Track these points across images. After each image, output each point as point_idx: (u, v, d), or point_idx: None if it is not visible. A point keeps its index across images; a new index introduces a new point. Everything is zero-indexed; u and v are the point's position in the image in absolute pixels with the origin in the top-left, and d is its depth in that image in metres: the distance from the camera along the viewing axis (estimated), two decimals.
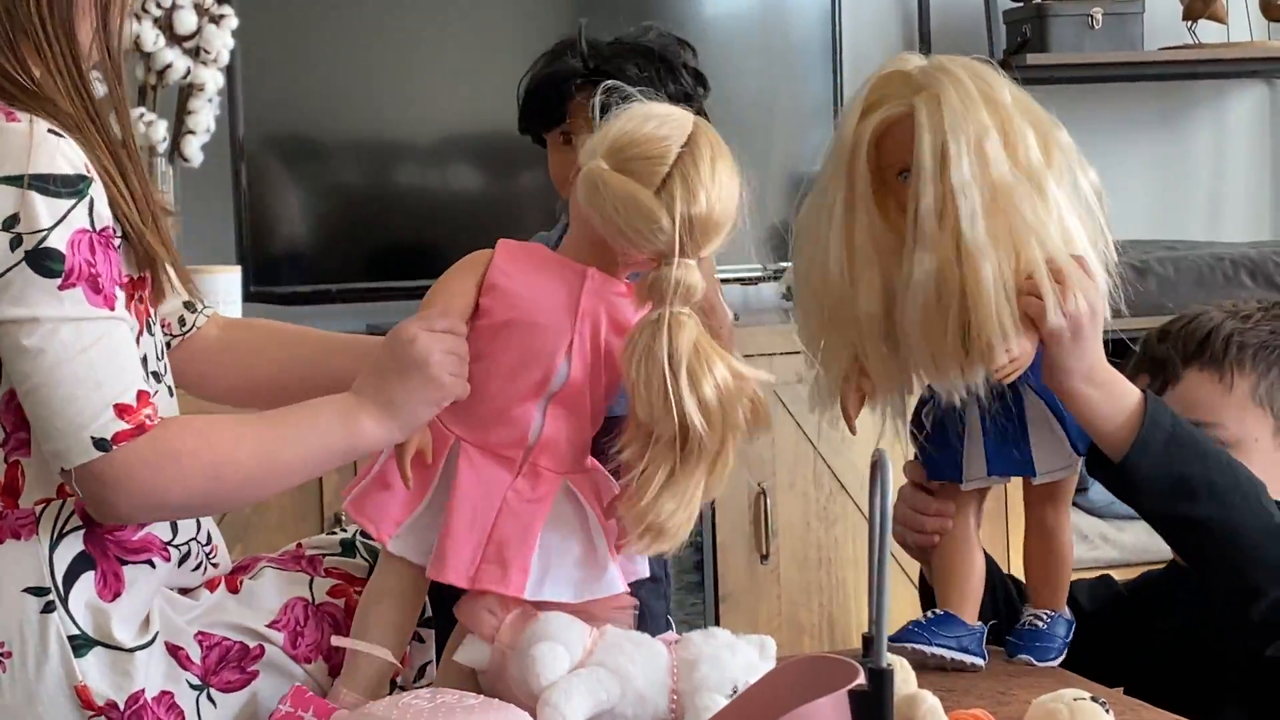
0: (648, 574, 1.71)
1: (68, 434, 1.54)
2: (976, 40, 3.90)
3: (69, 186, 1.56)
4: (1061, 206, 1.79)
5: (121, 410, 1.54)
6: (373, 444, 1.64)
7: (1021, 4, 3.93)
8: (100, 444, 1.53)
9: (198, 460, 1.57)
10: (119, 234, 1.62)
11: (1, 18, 1.63)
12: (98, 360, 1.54)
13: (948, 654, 1.91)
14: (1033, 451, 1.91)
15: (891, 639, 1.90)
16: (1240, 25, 4.08)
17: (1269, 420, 2.01)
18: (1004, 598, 2.08)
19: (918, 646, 1.90)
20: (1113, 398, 1.81)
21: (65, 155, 1.57)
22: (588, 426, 1.67)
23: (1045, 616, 1.98)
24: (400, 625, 1.68)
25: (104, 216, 1.59)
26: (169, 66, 3.14)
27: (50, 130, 1.58)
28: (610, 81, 1.67)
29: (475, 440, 1.64)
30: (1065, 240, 1.78)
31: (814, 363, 1.91)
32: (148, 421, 1.55)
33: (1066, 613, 1.99)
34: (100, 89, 1.68)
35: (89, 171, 1.58)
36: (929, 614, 1.95)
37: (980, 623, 1.95)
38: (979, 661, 1.93)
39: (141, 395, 1.56)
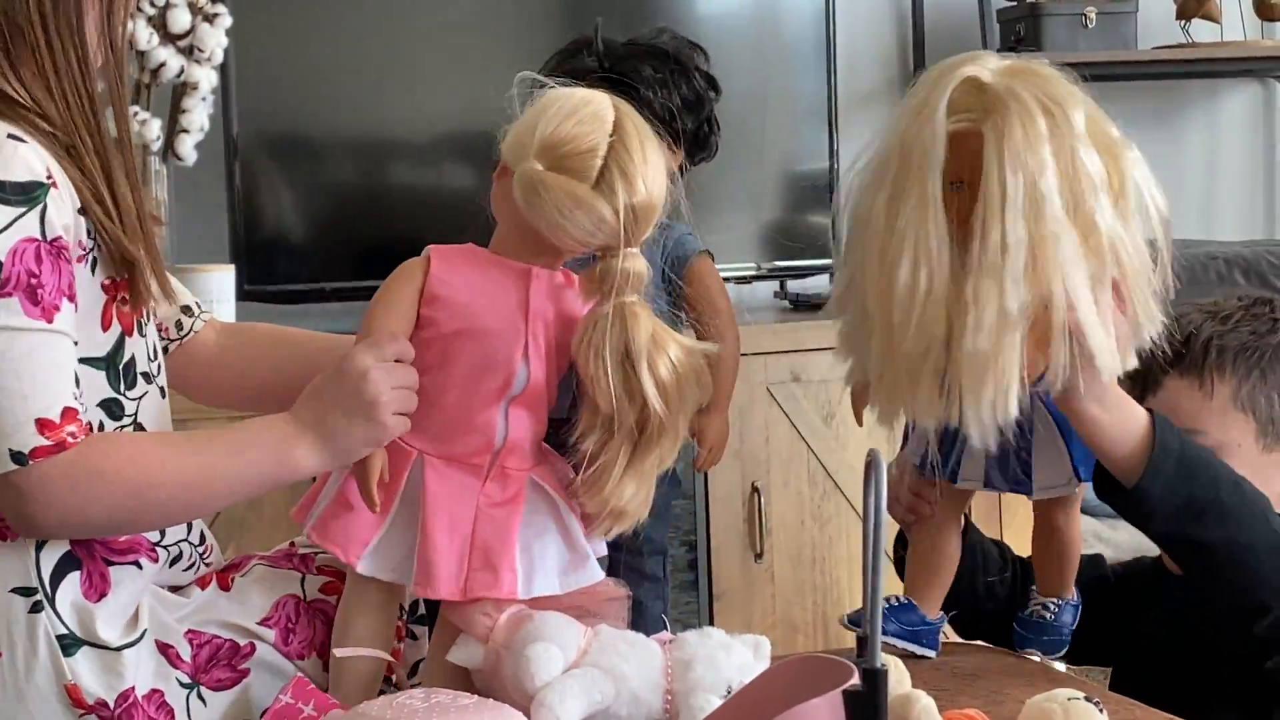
0: (605, 553, 1.72)
1: None
2: (970, 39, 3.91)
3: (20, 193, 1.53)
4: (1117, 236, 1.75)
5: (43, 425, 1.52)
6: (305, 473, 1.63)
7: (1015, 3, 3.93)
8: (17, 457, 1.51)
9: (120, 480, 1.55)
10: (94, 236, 1.60)
11: (9, 32, 1.60)
12: (25, 372, 1.52)
13: (897, 642, 1.92)
14: (1034, 472, 1.90)
15: (849, 618, 1.91)
16: (1234, 24, 4.08)
17: (1251, 424, 1.99)
18: (1019, 578, 2.07)
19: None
20: (1122, 421, 1.80)
21: (24, 160, 1.54)
22: (544, 421, 1.68)
23: (1053, 605, 1.98)
24: (382, 639, 1.68)
25: (61, 225, 1.55)
26: (163, 65, 3.13)
27: (10, 135, 1.55)
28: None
29: (440, 452, 1.64)
30: (1118, 266, 1.74)
31: (848, 358, 1.87)
32: (69, 439, 1.53)
33: (1073, 597, 1.99)
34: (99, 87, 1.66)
35: (49, 178, 1.55)
36: (891, 599, 1.95)
37: (941, 613, 1.96)
38: (928, 653, 1.93)
39: (67, 412, 1.53)
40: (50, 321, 1.54)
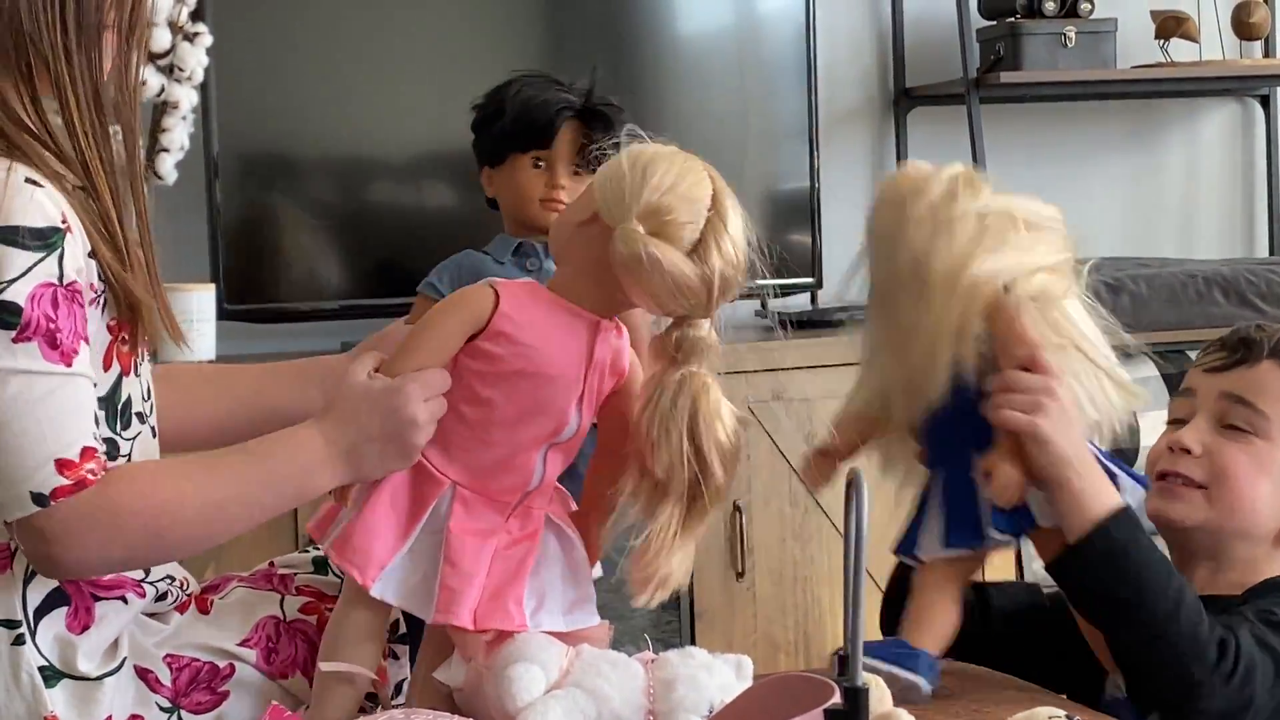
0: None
1: (7, 486, 1.52)
2: (950, 59, 3.92)
3: (39, 239, 1.53)
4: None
5: (63, 465, 1.52)
6: (322, 494, 1.63)
7: (994, 22, 3.94)
8: (39, 499, 1.51)
9: (140, 518, 1.55)
10: (103, 277, 1.60)
11: (21, 49, 1.60)
12: (44, 415, 1.52)
13: (898, 671, 1.86)
14: (920, 533, 1.94)
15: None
16: (1212, 43, 4.10)
17: None
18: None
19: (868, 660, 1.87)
20: (1090, 492, 1.85)
21: (40, 206, 1.54)
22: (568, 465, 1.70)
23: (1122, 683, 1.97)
24: (372, 659, 1.67)
25: (74, 269, 1.56)
26: (143, 84, 3.12)
27: (28, 180, 1.55)
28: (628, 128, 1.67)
29: (474, 486, 1.63)
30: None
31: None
32: (89, 477, 1.53)
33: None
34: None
35: (63, 223, 1.56)
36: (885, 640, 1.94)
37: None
38: (920, 682, 1.87)
39: (86, 451, 1.53)
40: (69, 365, 1.54)
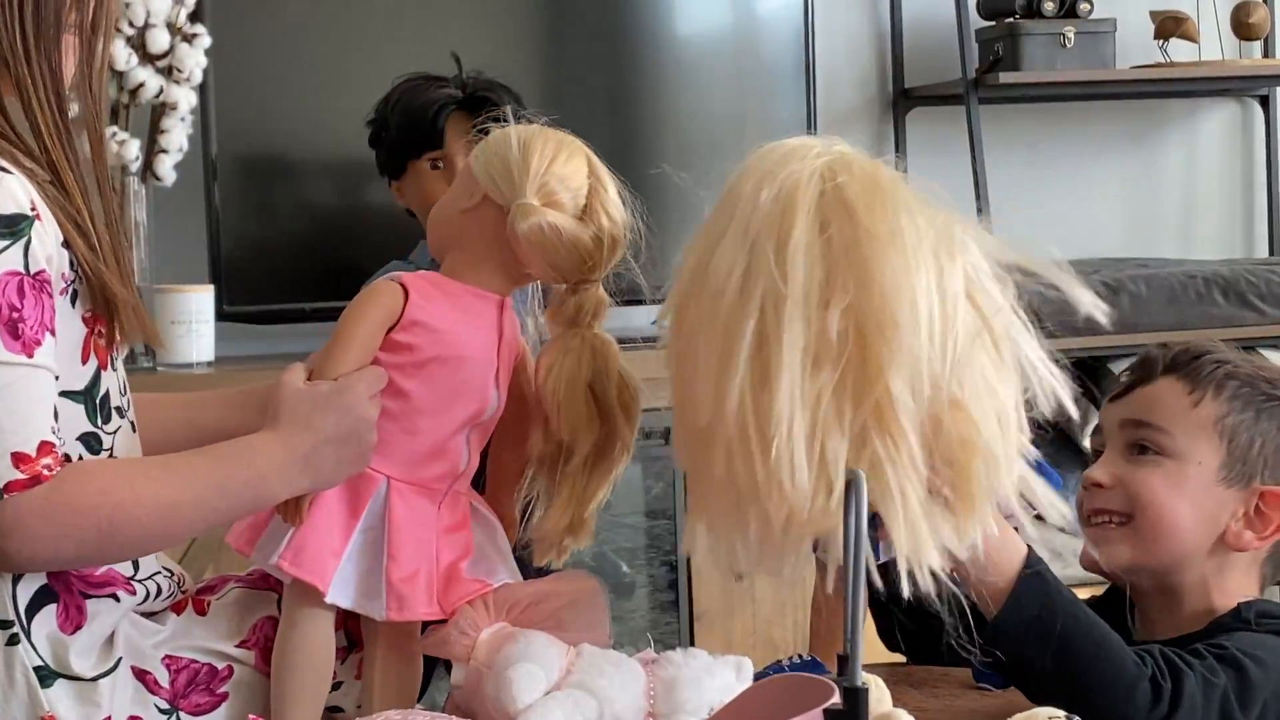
0: None
1: None
2: (949, 60, 3.92)
3: (6, 226, 1.52)
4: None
5: (19, 459, 1.50)
6: (277, 501, 1.62)
7: (993, 23, 3.94)
8: None
9: (95, 515, 1.53)
10: (76, 268, 1.59)
11: None
12: (3, 407, 1.50)
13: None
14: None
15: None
16: (1211, 44, 4.10)
17: (1221, 452, 1.95)
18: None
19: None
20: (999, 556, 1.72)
21: (8, 191, 1.52)
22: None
23: None
24: (329, 668, 1.67)
25: (43, 258, 1.54)
26: (141, 85, 3.13)
27: None
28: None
29: (409, 478, 1.65)
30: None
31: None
32: (45, 472, 1.51)
33: None
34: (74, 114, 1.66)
35: (33, 210, 1.54)
36: (796, 657, 1.92)
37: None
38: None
39: (44, 446, 1.51)
40: (31, 356, 1.52)
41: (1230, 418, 1.93)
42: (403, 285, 1.65)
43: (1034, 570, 1.74)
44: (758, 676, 1.77)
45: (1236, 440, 1.93)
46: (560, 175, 1.65)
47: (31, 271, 1.53)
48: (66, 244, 1.58)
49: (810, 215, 1.47)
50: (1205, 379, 1.95)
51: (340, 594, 1.62)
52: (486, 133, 1.71)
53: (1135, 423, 1.94)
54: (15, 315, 1.51)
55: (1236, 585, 1.94)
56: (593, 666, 1.61)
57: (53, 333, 1.55)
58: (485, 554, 1.69)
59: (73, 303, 1.60)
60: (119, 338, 1.65)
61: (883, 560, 1.73)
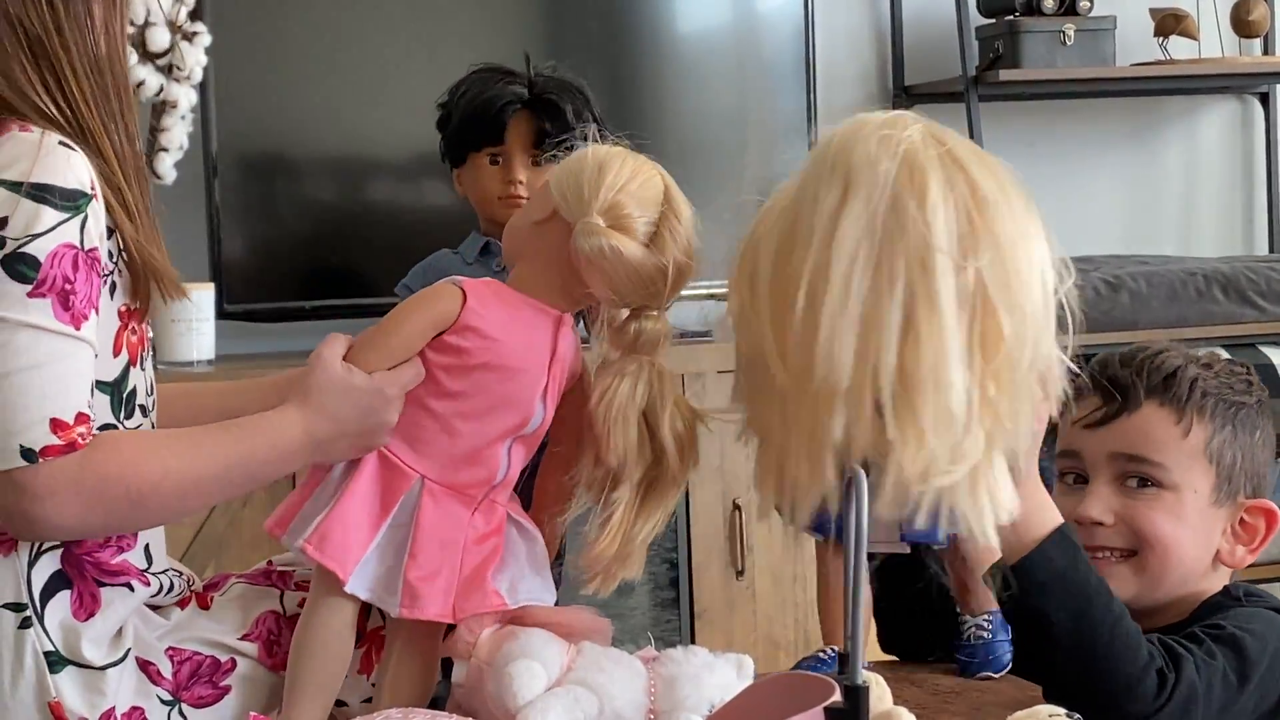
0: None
1: None
2: (949, 57, 3.92)
3: (67, 200, 1.55)
4: None
5: (57, 425, 1.53)
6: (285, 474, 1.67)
7: (993, 20, 3.94)
8: (28, 454, 1.52)
9: (122, 485, 1.56)
10: (116, 260, 1.61)
11: (17, 33, 1.62)
12: (47, 373, 1.53)
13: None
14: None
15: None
16: (1212, 41, 4.10)
17: (1211, 476, 1.95)
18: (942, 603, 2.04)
19: None
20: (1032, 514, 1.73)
21: (73, 168, 1.56)
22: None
23: (985, 623, 1.96)
24: (346, 657, 1.68)
25: (95, 237, 1.58)
26: (142, 83, 3.13)
27: (62, 142, 1.57)
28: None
29: (443, 480, 1.65)
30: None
31: None
32: (79, 440, 1.54)
33: (996, 606, 1.96)
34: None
35: (93, 190, 1.58)
36: (829, 650, 1.91)
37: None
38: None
39: (80, 416, 1.54)
40: (78, 329, 1.56)
41: (1215, 439, 1.92)
42: (462, 290, 1.65)
43: (1066, 534, 1.75)
44: (799, 668, 1.78)
45: (1223, 461, 1.94)
46: (632, 199, 1.65)
47: (86, 248, 1.57)
48: (111, 232, 1.61)
49: (939, 175, 1.48)
50: (1189, 404, 1.93)
51: (360, 585, 1.63)
52: (555, 144, 1.73)
53: (1128, 457, 1.93)
54: (68, 287, 1.55)
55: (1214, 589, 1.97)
56: (593, 663, 1.61)
57: (97, 310, 1.58)
58: (520, 565, 1.69)
59: (111, 293, 1.62)
60: (167, 298, 1.68)
61: (937, 541, 1.75)
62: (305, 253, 3.51)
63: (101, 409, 1.62)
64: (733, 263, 1.55)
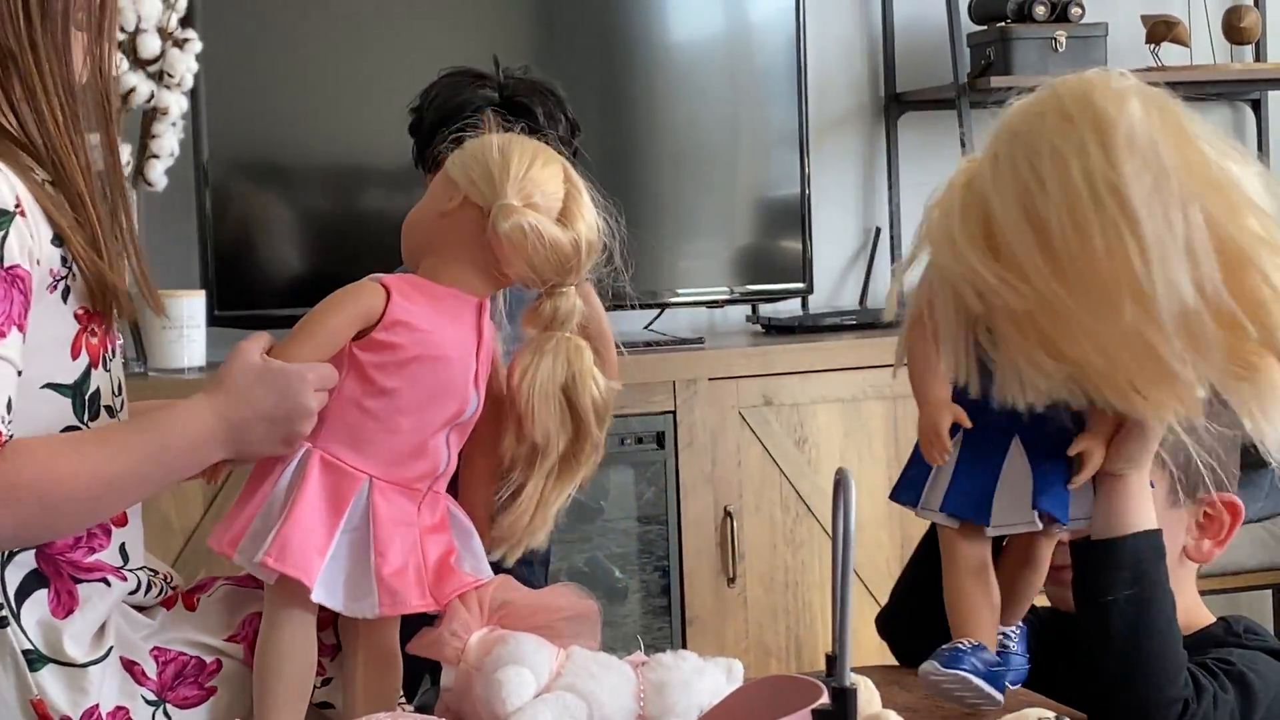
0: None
1: None
2: (940, 64, 3.92)
3: None
4: None
5: None
6: (206, 466, 1.64)
7: (985, 27, 3.95)
8: None
9: (35, 493, 1.54)
10: (70, 265, 1.60)
11: (1, 56, 1.61)
12: None
13: (975, 679, 1.82)
14: (994, 501, 1.86)
15: (942, 663, 1.83)
16: (1203, 48, 4.10)
17: (1165, 478, 1.96)
18: None
19: (962, 673, 1.82)
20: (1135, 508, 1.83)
21: None
22: None
23: (1012, 633, 1.96)
24: (312, 667, 1.67)
25: (21, 253, 1.55)
26: (132, 90, 3.13)
27: None
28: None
29: (390, 477, 1.66)
30: None
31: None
32: None
33: (1020, 623, 1.97)
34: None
35: (15, 206, 1.55)
36: (965, 642, 1.87)
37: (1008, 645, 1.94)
38: (997, 695, 1.84)
39: None
40: None
41: (1167, 440, 1.91)
42: (384, 285, 1.67)
43: (1158, 539, 1.83)
44: (938, 658, 1.82)
45: (1177, 460, 1.93)
46: (538, 179, 1.69)
47: (5, 264, 1.54)
48: (60, 240, 1.59)
49: (1172, 123, 1.76)
50: None
51: (326, 595, 1.63)
52: (460, 142, 1.75)
53: None
54: None
55: (1190, 594, 1.99)
56: (582, 669, 1.61)
57: (20, 328, 1.56)
58: (462, 558, 1.70)
59: (64, 298, 1.61)
60: (115, 336, 1.67)
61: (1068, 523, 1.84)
62: (296, 259, 3.51)
63: (63, 412, 1.62)
64: (940, 227, 1.71)
